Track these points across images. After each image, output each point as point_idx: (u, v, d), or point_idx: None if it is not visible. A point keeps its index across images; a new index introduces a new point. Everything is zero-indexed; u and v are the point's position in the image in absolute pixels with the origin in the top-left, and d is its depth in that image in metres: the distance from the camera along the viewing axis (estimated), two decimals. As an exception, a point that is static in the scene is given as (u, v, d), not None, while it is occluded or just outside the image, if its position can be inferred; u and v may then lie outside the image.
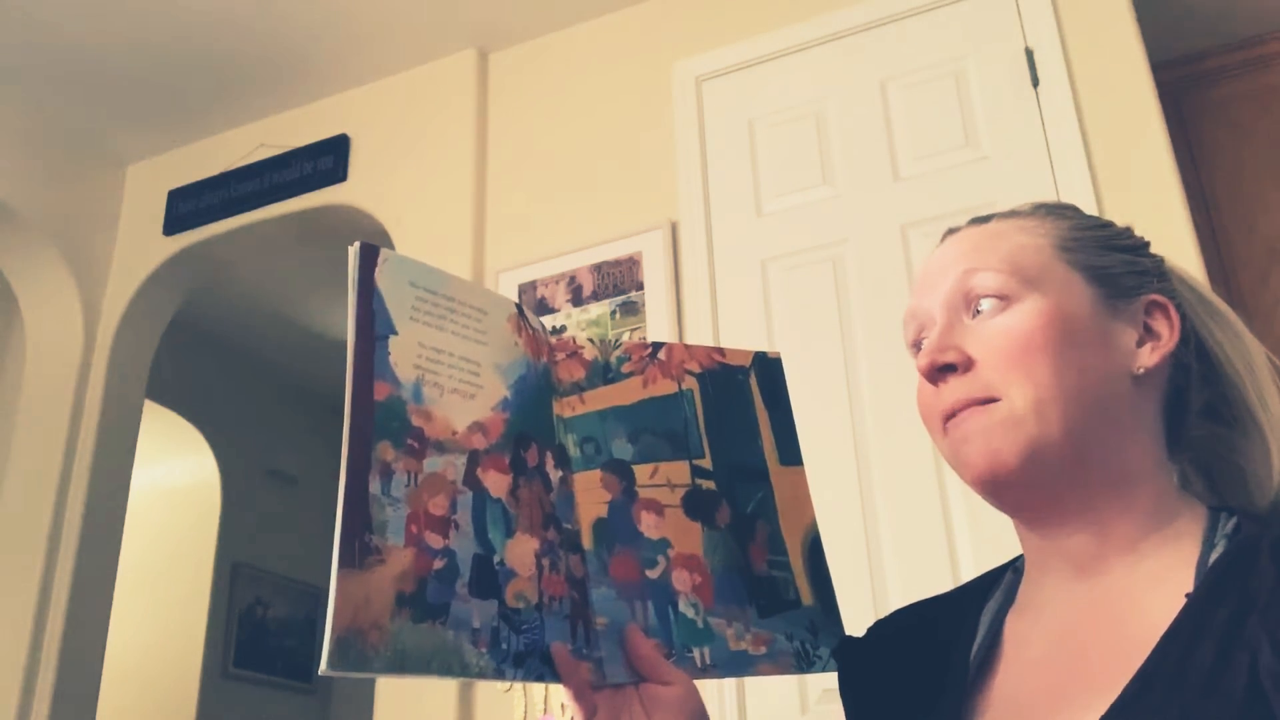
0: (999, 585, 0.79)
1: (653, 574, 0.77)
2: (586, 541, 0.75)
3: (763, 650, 0.78)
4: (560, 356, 0.81)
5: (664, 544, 0.78)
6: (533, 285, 2.51)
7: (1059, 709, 0.66)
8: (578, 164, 2.62)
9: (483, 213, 2.70)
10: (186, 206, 3.08)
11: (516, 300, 1.72)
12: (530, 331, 0.78)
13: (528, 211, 2.64)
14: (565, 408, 0.79)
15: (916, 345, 0.79)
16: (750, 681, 1.98)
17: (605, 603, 0.74)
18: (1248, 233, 2.40)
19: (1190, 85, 2.56)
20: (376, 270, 0.70)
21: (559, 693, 1.15)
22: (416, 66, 2.93)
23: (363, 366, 0.67)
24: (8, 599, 2.72)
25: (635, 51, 2.67)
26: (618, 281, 2.42)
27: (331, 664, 0.59)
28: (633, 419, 0.82)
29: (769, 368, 0.89)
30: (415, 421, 0.68)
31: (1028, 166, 2.11)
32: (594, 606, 0.73)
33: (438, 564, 0.65)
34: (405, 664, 0.62)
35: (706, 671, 0.76)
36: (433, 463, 0.68)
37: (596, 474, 0.78)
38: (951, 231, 0.80)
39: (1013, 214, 0.79)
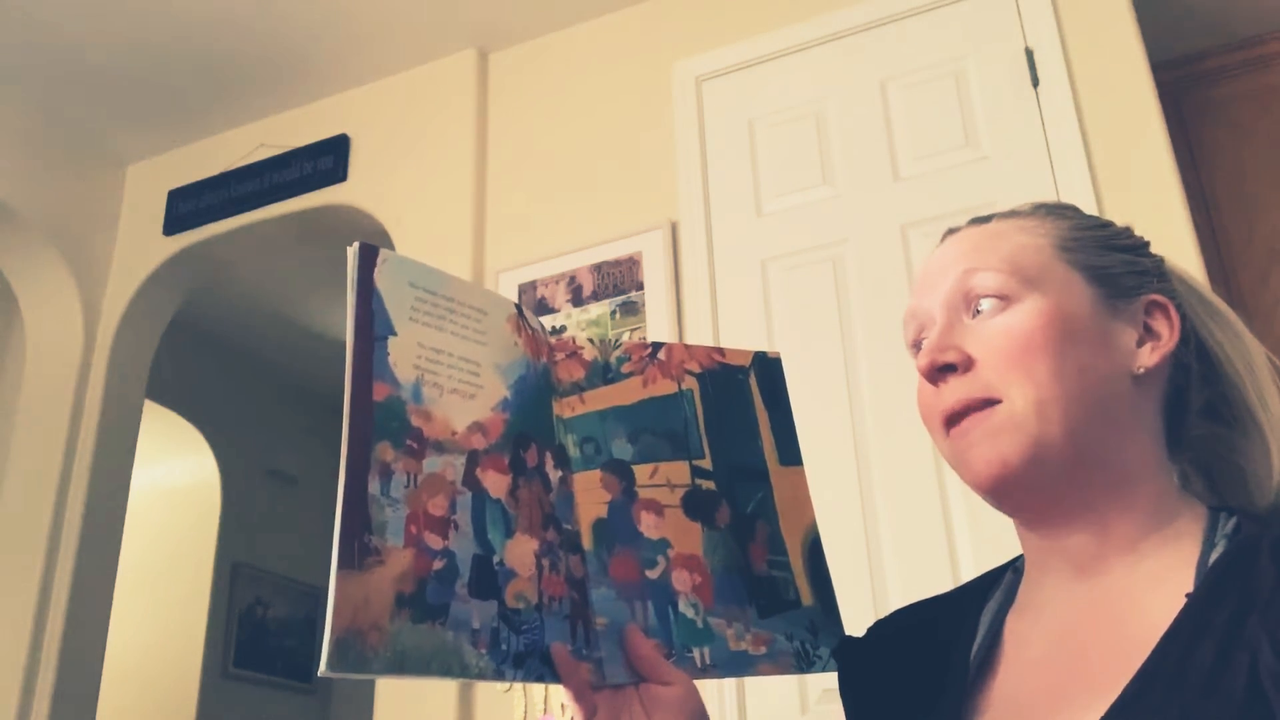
0: (999, 585, 0.79)
1: (652, 574, 0.77)
2: (586, 542, 0.75)
3: (763, 650, 0.78)
4: (560, 356, 0.81)
5: (664, 544, 0.78)
6: (533, 285, 2.51)
7: (1059, 709, 0.65)
8: (578, 164, 2.62)
9: (483, 213, 2.70)
10: (186, 206, 3.08)
11: (516, 300, 1.72)
12: (530, 332, 0.78)
13: (528, 211, 2.64)
14: (565, 408, 0.79)
15: (916, 345, 0.79)
16: (750, 681, 1.98)
17: (605, 603, 0.74)
18: (1248, 233, 2.40)
19: (1190, 85, 2.56)
20: (376, 270, 0.70)
21: (559, 693, 1.15)
22: (416, 66, 2.93)
23: (362, 367, 0.67)
24: (8, 599, 2.72)
25: (635, 51, 2.67)
26: (618, 281, 2.42)
27: (331, 665, 0.59)
28: (632, 419, 0.81)
29: (769, 368, 0.89)
30: (415, 422, 0.68)
31: (1028, 166, 2.11)
32: (594, 607, 0.73)
33: (437, 565, 0.65)
34: (405, 665, 0.62)
35: (706, 672, 0.76)
36: (432, 463, 0.68)
37: (596, 474, 0.78)
38: (951, 231, 0.80)
39: (1013, 214, 0.79)
